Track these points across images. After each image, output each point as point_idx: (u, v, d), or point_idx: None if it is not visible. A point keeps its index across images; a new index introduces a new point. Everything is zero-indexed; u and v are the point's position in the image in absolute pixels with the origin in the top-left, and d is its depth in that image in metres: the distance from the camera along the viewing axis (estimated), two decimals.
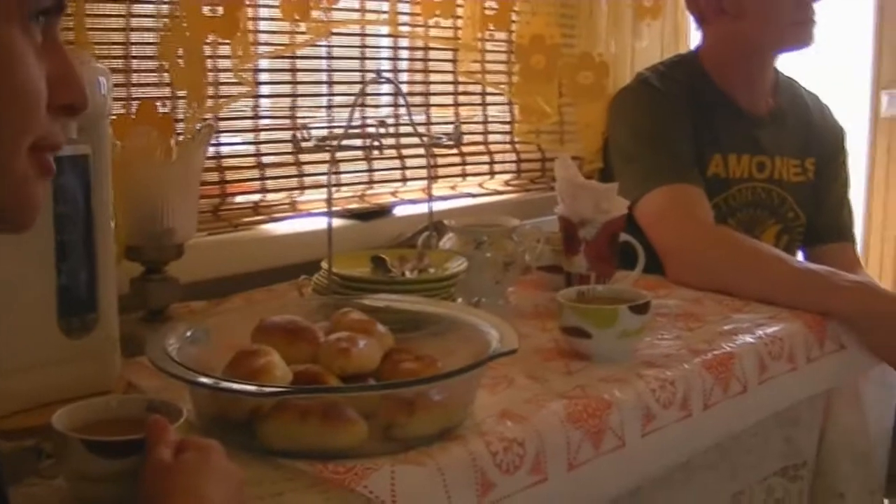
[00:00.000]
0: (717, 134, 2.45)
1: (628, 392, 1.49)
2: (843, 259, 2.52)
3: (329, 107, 2.33)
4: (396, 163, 2.46)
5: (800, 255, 2.60)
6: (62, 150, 0.92)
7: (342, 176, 2.35)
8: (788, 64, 2.62)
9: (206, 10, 1.94)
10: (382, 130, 1.82)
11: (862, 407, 2.06)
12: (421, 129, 2.25)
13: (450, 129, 2.17)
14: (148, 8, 1.93)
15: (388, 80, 2.12)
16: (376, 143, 1.81)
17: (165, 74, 1.94)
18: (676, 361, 1.63)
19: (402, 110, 2.41)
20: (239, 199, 2.17)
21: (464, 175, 2.66)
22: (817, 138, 2.60)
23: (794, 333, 1.84)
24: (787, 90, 2.61)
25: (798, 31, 2.41)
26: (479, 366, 1.29)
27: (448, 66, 2.60)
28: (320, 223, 2.03)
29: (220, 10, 1.95)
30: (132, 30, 1.92)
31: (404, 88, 2.53)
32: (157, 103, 1.91)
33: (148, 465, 1.04)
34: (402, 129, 2.10)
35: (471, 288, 1.84)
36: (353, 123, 1.83)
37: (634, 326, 1.63)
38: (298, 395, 1.24)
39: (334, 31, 2.24)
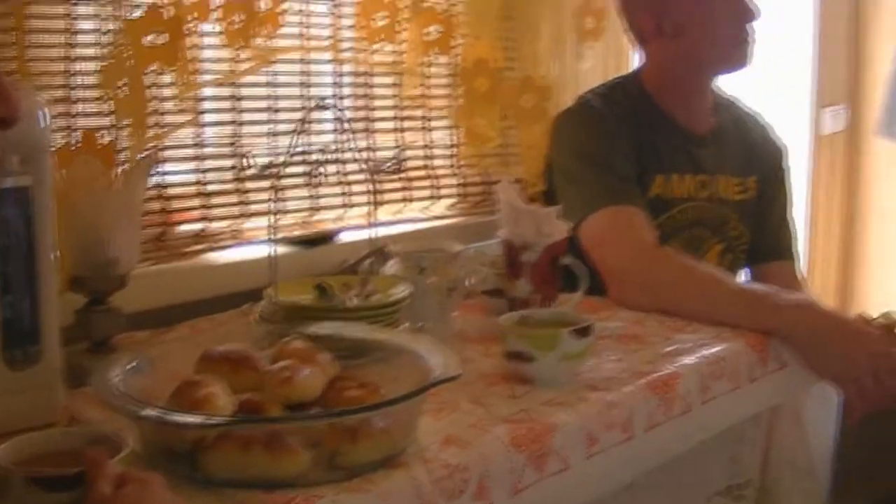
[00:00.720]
0: (658, 154, 2.45)
1: (571, 415, 1.50)
2: (785, 277, 2.54)
3: (272, 134, 2.33)
4: (340, 189, 2.46)
5: (745, 274, 2.62)
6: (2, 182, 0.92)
7: (286, 203, 2.35)
8: (731, 82, 2.64)
9: (148, 39, 1.94)
10: (325, 157, 1.83)
11: (803, 424, 2.08)
12: (364, 155, 2.25)
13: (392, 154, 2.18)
14: (90, 38, 1.93)
15: (331, 107, 2.12)
16: (319, 170, 1.81)
17: (107, 104, 1.93)
18: (619, 384, 1.64)
19: (346, 136, 2.41)
20: (182, 227, 2.17)
21: (408, 200, 2.67)
22: (758, 157, 2.61)
23: (736, 353, 1.85)
24: (727, 109, 2.63)
25: (735, 51, 2.43)
26: (421, 393, 1.30)
27: (391, 92, 2.61)
28: (264, 251, 2.03)
29: (162, 39, 1.95)
30: (74, 59, 1.92)
31: (347, 115, 2.53)
32: (99, 133, 1.91)
33: (89, 499, 1.04)
34: (346, 156, 2.10)
35: (415, 313, 1.84)
36: (296, 150, 1.84)
37: (576, 350, 1.64)
38: (242, 424, 1.24)
39: (276, 58, 2.24)
